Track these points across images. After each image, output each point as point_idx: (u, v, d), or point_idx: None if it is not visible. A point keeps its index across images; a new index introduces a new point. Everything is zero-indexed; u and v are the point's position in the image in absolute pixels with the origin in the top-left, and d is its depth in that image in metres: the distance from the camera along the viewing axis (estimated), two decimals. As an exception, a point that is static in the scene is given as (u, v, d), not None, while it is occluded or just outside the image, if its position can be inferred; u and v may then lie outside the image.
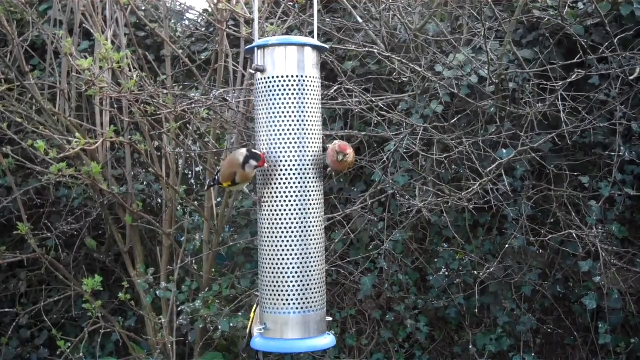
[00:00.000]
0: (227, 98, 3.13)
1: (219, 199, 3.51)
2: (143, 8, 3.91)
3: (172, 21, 4.00)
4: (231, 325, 3.15)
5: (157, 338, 3.27)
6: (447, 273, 3.45)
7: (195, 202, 3.57)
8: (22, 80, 3.24)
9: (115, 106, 3.46)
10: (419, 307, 3.43)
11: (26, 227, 3.12)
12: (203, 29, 4.07)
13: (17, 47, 3.28)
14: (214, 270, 3.55)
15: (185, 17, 4.21)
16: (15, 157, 3.29)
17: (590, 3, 3.16)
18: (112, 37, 3.44)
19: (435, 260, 3.43)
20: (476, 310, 3.19)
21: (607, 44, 2.99)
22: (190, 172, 4.04)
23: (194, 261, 3.54)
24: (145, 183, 3.85)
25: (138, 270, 3.48)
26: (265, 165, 1.79)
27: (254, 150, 1.81)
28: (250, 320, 2.00)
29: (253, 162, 1.79)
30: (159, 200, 3.81)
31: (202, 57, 3.84)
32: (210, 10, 3.60)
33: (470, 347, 3.35)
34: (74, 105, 3.50)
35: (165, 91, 3.06)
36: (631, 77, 2.99)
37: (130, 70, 3.13)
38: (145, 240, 3.75)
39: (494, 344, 3.36)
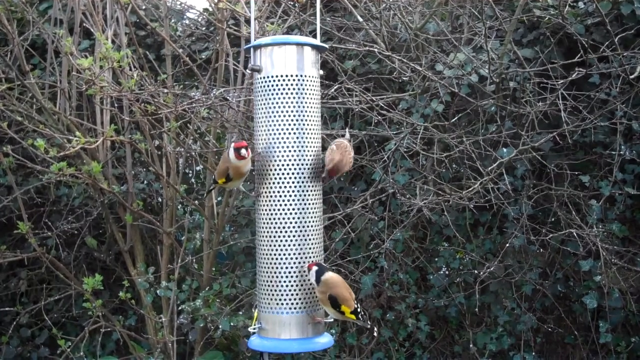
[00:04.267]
0: (228, 97, 3.13)
1: (219, 198, 3.51)
2: (143, 7, 3.91)
3: (173, 20, 4.00)
4: (231, 324, 3.15)
5: (158, 337, 3.27)
6: (447, 272, 3.45)
7: (196, 201, 3.57)
8: (23, 79, 3.24)
9: (116, 105, 3.46)
10: (419, 306, 3.43)
11: (26, 226, 3.12)
12: (203, 28, 4.07)
13: (18, 46, 3.28)
14: (214, 269, 3.55)
15: (185, 16, 4.21)
16: (15, 156, 3.29)
17: (591, 2, 3.16)
18: (112, 36, 3.44)
19: (436, 259, 3.43)
20: (476, 309, 3.19)
21: (607, 43, 3.00)
22: (190, 171, 4.04)
23: (194, 260, 3.55)
24: (145, 182, 3.84)
25: (138, 269, 3.48)
26: (249, 151, 1.78)
27: (238, 143, 1.80)
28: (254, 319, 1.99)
29: (243, 152, 1.78)
30: (160, 199, 3.81)
31: (203, 56, 3.84)
32: (210, 9, 3.60)
33: (471, 346, 3.35)
34: (74, 104, 3.50)
35: (165, 90, 3.05)
36: (632, 76, 2.99)
37: (130, 70, 3.13)
38: (146, 239, 3.75)
39: (494, 343, 3.36)
